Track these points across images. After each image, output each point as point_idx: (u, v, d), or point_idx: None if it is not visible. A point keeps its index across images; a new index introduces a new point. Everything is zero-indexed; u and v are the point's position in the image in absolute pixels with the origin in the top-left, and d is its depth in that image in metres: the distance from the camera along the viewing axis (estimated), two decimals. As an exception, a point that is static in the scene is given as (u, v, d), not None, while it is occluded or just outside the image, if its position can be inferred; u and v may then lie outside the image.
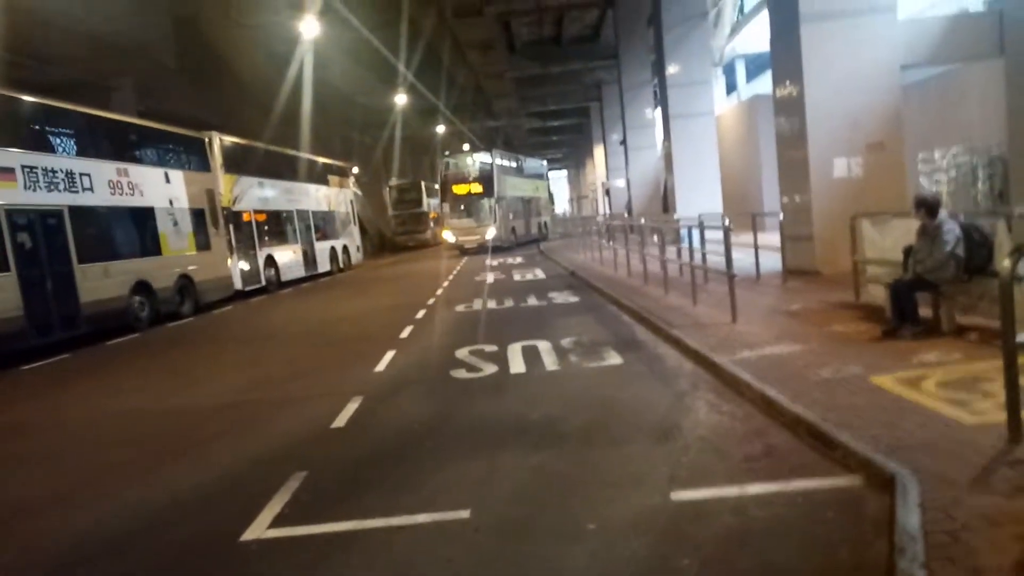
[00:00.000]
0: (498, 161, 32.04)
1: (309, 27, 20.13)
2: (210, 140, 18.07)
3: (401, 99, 33.19)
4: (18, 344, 10.94)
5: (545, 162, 45.39)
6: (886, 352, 6.07)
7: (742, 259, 10.80)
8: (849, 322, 7.44)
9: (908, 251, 6.76)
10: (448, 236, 31.40)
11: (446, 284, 17.66)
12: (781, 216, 11.35)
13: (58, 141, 12.83)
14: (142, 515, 4.46)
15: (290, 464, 5.00)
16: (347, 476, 4.82)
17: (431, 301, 14.19)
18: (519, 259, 24.73)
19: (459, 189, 31.03)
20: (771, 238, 11.81)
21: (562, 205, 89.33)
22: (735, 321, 8.01)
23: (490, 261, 24.56)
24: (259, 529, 4.01)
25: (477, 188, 30.81)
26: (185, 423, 6.74)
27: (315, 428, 5.98)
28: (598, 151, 44.46)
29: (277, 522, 4.10)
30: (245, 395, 7.65)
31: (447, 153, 34.21)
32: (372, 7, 23.20)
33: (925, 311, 6.62)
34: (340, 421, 6.06)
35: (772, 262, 11.44)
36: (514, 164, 35.69)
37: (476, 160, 32.11)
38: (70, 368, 10.65)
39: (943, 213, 6.46)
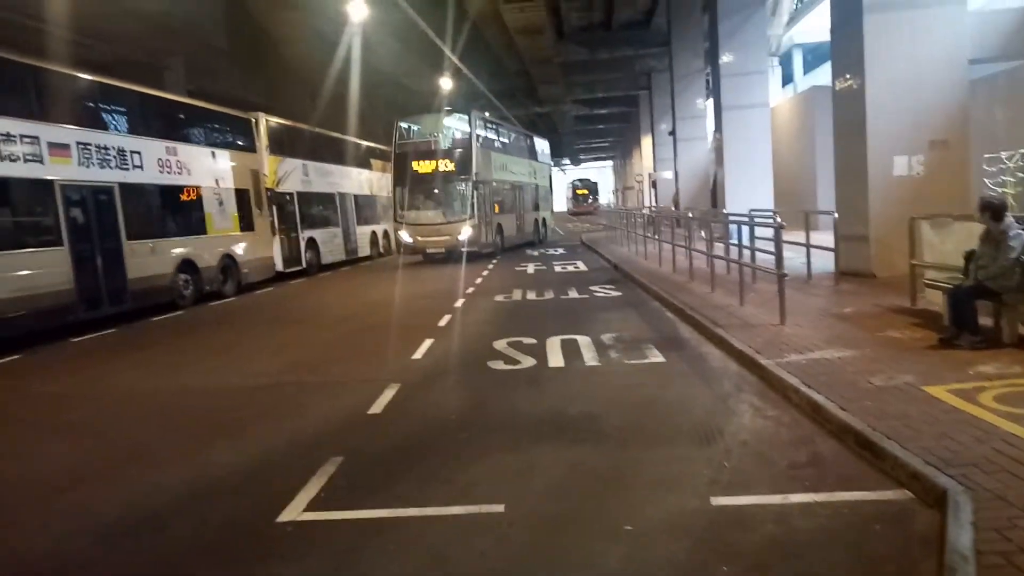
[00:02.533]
0: (480, 131, 22.69)
1: (357, 9, 20.18)
2: (256, 121, 18.26)
3: (447, 83, 32.56)
4: (67, 317, 11.24)
5: (546, 142, 35.19)
6: (942, 361, 5.84)
7: (793, 258, 10.55)
8: (904, 328, 7.18)
9: (970, 256, 6.50)
10: (404, 236, 21.90)
11: (486, 273, 17.64)
12: (835, 215, 11.01)
13: (111, 119, 13.10)
14: (183, 491, 4.53)
15: (327, 448, 5.04)
16: (383, 463, 4.82)
17: (470, 290, 14.19)
18: (560, 250, 24.60)
19: (421, 166, 21.78)
20: (824, 237, 11.48)
21: (606, 196, 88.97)
22: (783, 323, 7.79)
23: (531, 252, 24.47)
24: (295, 511, 4.05)
25: (447, 166, 21.69)
26: (226, 402, 6.84)
27: (352, 413, 6.01)
28: (646, 141, 43.80)
29: (313, 505, 4.13)
30: (284, 377, 7.73)
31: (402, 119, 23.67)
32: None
33: (985, 320, 6.35)
34: (377, 408, 6.07)
35: (824, 262, 11.12)
36: (504, 138, 26.25)
37: (447, 125, 23.02)
38: (116, 343, 10.91)
39: (1009, 218, 6.17)
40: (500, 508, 3.93)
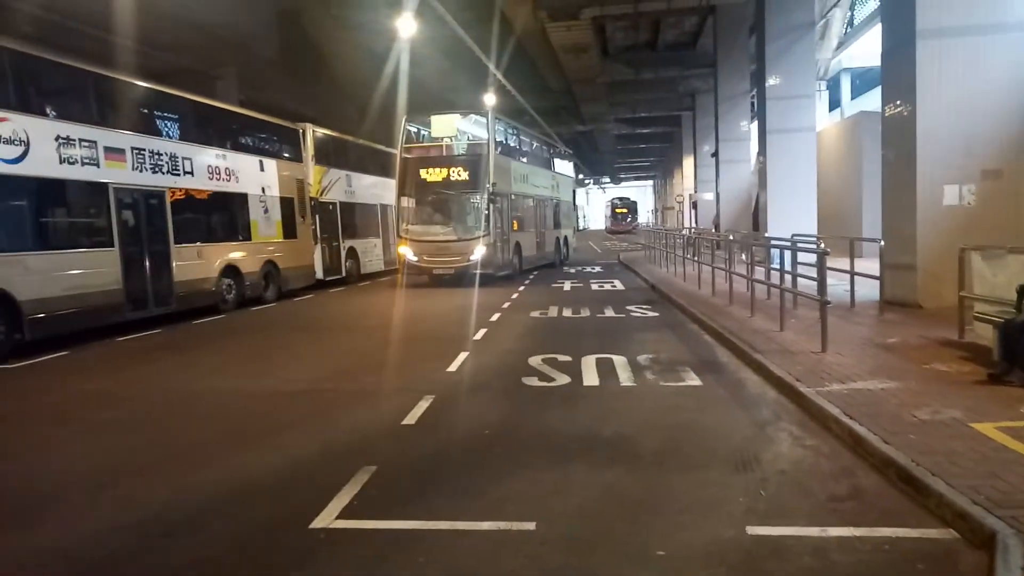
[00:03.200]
0: (499, 136, 20.13)
1: (406, 25, 20.48)
2: (304, 131, 18.63)
3: (491, 99, 32.71)
4: (115, 317, 11.56)
5: (571, 152, 31.73)
6: (991, 397, 5.66)
7: (836, 285, 10.36)
8: (951, 361, 6.98)
9: (1023, 290, 6.30)
10: (407, 253, 19.00)
11: (522, 288, 17.67)
12: (882, 242, 10.79)
13: (165, 125, 13.50)
14: (219, 492, 4.60)
15: (360, 457, 5.07)
16: (415, 474, 4.83)
17: (506, 304, 14.21)
18: (597, 268, 24.52)
19: (430, 174, 19.03)
20: (869, 265, 11.25)
21: (645, 215, 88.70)
22: (825, 351, 7.64)
23: (567, 269, 24.39)
24: (328, 518, 4.07)
25: (460, 175, 18.94)
26: (263, 406, 6.93)
27: (386, 423, 6.04)
28: (687, 162, 43.60)
29: (345, 513, 4.15)
30: (321, 384, 7.82)
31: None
32: (467, 6, 23.46)
33: (1039, 356, 6.14)
34: (411, 419, 6.10)
35: (869, 291, 10.90)
36: (524, 146, 23.46)
37: (461, 129, 20.71)
38: (160, 344, 11.15)
39: (1067, 251, 5.98)
40: (531, 526, 3.90)
